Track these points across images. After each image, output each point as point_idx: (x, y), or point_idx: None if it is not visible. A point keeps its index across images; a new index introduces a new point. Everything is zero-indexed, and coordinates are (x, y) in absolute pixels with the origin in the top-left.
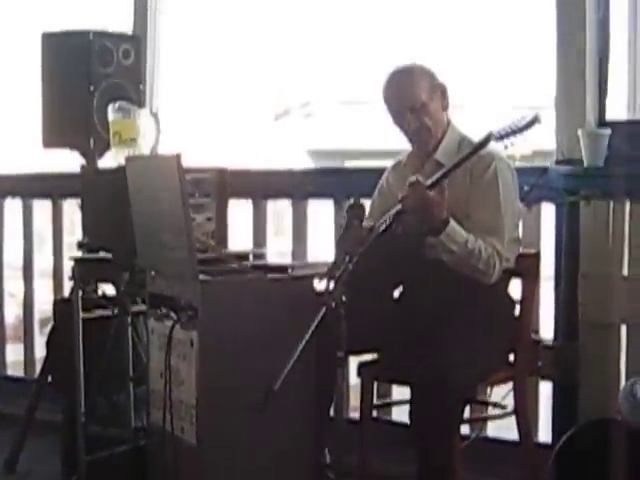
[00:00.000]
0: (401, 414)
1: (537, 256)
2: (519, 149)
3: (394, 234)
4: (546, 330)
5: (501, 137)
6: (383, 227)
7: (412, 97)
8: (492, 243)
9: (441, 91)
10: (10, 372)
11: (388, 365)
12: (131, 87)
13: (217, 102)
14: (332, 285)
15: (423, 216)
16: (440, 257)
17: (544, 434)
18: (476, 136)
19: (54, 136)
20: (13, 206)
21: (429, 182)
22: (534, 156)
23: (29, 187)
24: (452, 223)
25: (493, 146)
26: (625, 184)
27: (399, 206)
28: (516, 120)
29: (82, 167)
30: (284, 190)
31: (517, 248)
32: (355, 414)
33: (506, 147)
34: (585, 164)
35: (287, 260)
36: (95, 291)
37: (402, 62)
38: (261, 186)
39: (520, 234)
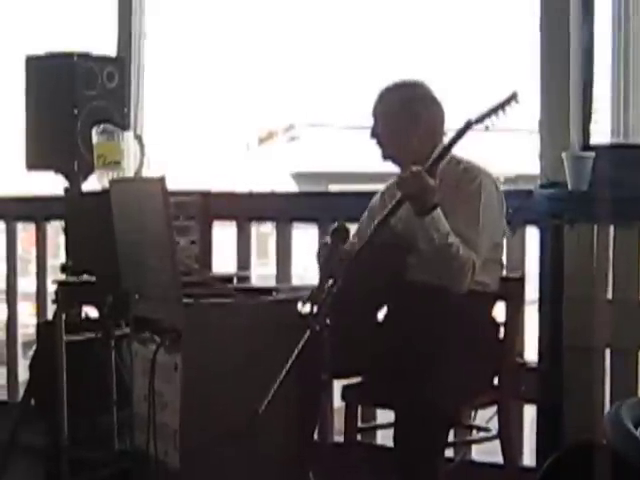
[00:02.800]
0: (386, 438)
1: (521, 279)
2: (505, 170)
3: (376, 253)
4: (531, 353)
5: (481, 119)
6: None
7: (380, 107)
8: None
9: (413, 118)
10: None
11: (372, 388)
12: (115, 110)
13: (201, 125)
14: (316, 308)
15: (419, 199)
16: (424, 278)
17: (528, 457)
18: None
19: (38, 158)
20: None
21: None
22: (518, 179)
23: (12, 209)
24: (439, 211)
25: (487, 157)
26: (609, 208)
27: (398, 194)
28: (495, 101)
29: (66, 190)
30: (268, 213)
31: (500, 271)
32: (339, 438)
33: (487, 128)
34: (569, 188)
35: (271, 283)
36: (79, 314)
37: (397, 80)
38: (245, 209)
39: (504, 257)
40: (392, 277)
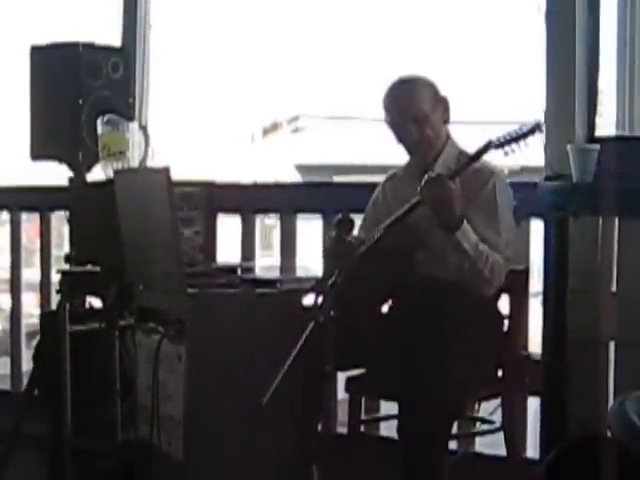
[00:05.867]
0: (389, 429)
1: (526, 272)
2: (509, 162)
3: (384, 249)
4: (535, 346)
5: (501, 144)
6: (378, 235)
7: (414, 108)
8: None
9: (443, 104)
10: None
11: (376, 380)
12: (120, 100)
13: (206, 116)
14: (320, 300)
15: (443, 207)
16: (431, 272)
17: (532, 450)
18: (474, 149)
19: (42, 148)
20: (0, 219)
21: (448, 174)
22: (522, 172)
23: (17, 199)
24: (466, 223)
25: (493, 155)
26: (614, 200)
27: (416, 198)
28: (516, 127)
29: (70, 180)
30: (272, 204)
31: (508, 266)
32: (343, 429)
33: (506, 154)
34: (574, 180)
35: (275, 274)
36: (83, 304)
37: (405, 73)
38: (249, 200)
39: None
40: (399, 272)
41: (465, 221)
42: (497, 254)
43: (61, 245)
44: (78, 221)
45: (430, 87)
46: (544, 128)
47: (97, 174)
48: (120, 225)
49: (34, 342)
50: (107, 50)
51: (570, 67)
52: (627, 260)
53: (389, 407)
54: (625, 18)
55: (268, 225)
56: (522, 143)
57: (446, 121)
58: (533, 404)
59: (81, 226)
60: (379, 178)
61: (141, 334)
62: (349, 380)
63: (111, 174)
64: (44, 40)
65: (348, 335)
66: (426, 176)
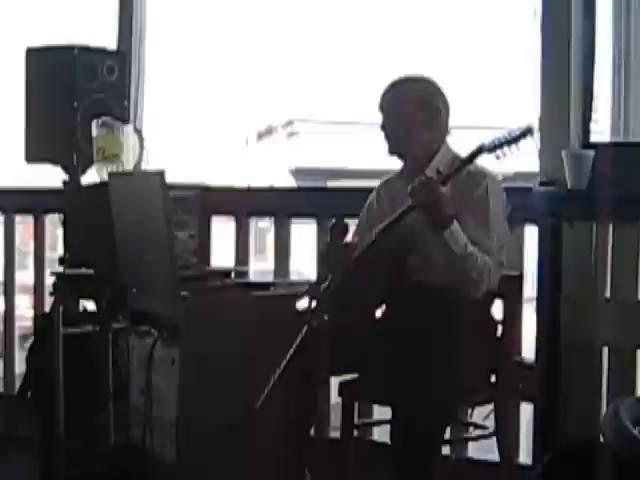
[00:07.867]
0: (382, 434)
1: (519, 277)
2: (503, 168)
3: (377, 253)
4: (528, 351)
5: (493, 148)
6: (372, 239)
7: (394, 99)
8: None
9: (430, 111)
10: None
11: (369, 385)
12: (115, 103)
13: (201, 120)
14: (314, 304)
15: (432, 210)
16: (424, 277)
17: (525, 456)
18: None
19: (37, 151)
20: None
21: (440, 179)
22: (517, 177)
23: (11, 202)
24: (456, 223)
25: (485, 158)
26: (608, 206)
27: (409, 201)
28: (508, 131)
29: (65, 182)
30: (267, 208)
31: (500, 271)
32: (336, 434)
33: (498, 157)
34: (568, 186)
35: (269, 278)
36: (76, 307)
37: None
38: (244, 204)
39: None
40: (392, 277)
41: (456, 222)
42: (487, 257)
43: (55, 247)
44: (72, 224)
45: (426, 89)
46: (536, 132)
47: (92, 177)
48: (114, 228)
49: (27, 344)
50: (102, 53)
51: (565, 73)
52: (621, 266)
53: (382, 412)
54: (620, 24)
55: (261, 229)
56: (513, 147)
57: (430, 127)
58: (526, 410)
59: (75, 229)
60: (373, 183)
61: (134, 337)
62: (342, 385)
63: (106, 177)
64: (40, 42)
65: (342, 340)
66: (416, 180)
